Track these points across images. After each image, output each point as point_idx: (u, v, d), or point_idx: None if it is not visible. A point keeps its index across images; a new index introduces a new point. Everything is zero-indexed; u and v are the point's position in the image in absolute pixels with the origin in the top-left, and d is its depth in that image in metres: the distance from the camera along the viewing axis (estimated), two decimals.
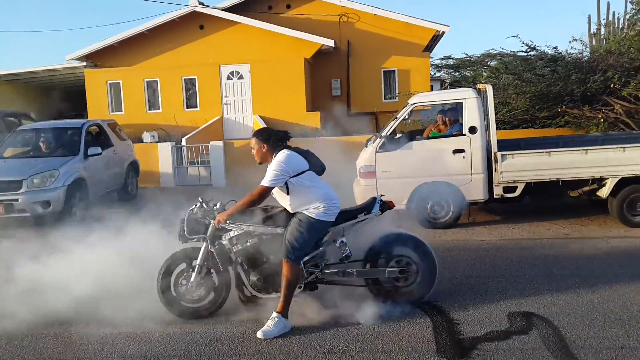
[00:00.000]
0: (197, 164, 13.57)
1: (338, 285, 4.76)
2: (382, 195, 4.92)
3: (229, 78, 17.48)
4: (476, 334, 4.25)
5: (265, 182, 4.40)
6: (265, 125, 15.81)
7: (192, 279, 4.65)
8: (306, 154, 4.56)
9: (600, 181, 7.55)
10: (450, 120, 8.25)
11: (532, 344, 4.02)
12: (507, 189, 7.74)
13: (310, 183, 4.46)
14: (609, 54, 11.71)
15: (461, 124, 7.85)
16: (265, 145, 4.50)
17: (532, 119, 12.15)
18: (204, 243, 4.65)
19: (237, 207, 4.50)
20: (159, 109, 17.71)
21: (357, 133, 15.38)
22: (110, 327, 4.57)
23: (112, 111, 17.69)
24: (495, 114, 8.59)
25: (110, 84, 17.83)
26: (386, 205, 4.79)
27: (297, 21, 17.82)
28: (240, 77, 17.41)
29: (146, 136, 15.35)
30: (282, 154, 4.43)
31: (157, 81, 17.69)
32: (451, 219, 7.88)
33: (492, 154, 7.71)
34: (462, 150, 7.74)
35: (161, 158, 13.37)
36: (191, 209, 4.73)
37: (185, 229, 4.67)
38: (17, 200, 8.62)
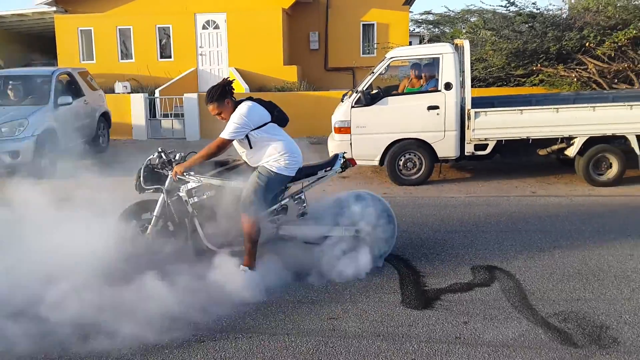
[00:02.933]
0: (171, 116, 13.39)
1: (295, 241, 4.73)
2: (344, 153, 4.94)
3: (204, 28, 17.07)
4: (440, 285, 4.41)
5: (224, 135, 4.32)
6: (240, 78, 15.59)
7: (148, 231, 4.63)
8: (269, 106, 4.48)
9: (568, 140, 7.71)
10: (426, 76, 8.26)
11: (493, 296, 4.20)
12: (478, 147, 7.85)
13: (272, 136, 4.40)
14: (587, 11, 11.73)
15: (437, 80, 7.87)
16: (228, 101, 4.39)
17: (507, 77, 12.22)
18: (161, 195, 4.61)
19: (195, 160, 4.44)
20: (131, 58, 17.28)
21: (334, 88, 15.33)
22: None
23: (83, 60, 17.21)
24: (471, 70, 8.64)
25: (81, 30, 17.27)
26: (347, 163, 4.76)
27: None
28: (216, 27, 17.02)
29: (118, 86, 15.01)
30: (244, 106, 4.34)
31: (130, 29, 17.19)
32: (422, 176, 8.00)
33: (466, 111, 7.78)
34: (436, 107, 7.79)
35: (134, 109, 13.15)
36: (149, 159, 4.65)
37: (141, 179, 4.61)
38: None
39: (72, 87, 10.63)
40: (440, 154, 7.90)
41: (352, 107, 7.90)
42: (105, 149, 11.52)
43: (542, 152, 7.98)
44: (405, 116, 7.86)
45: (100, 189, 8.09)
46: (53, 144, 9.30)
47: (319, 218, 4.73)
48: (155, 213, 4.64)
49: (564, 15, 12.75)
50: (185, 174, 4.51)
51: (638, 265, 4.71)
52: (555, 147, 7.82)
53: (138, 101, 13.13)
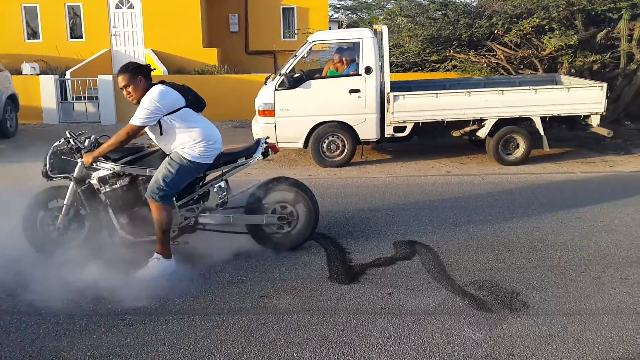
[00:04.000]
0: (84, 99, 12.81)
1: (218, 232, 4.66)
2: (267, 138, 4.80)
3: (117, 7, 16.37)
4: (365, 261, 4.60)
5: (134, 121, 4.07)
6: (157, 60, 15.14)
7: (58, 221, 4.45)
8: (183, 90, 4.25)
9: (480, 122, 8.16)
10: (347, 60, 8.42)
11: (414, 268, 4.44)
12: (397, 129, 8.14)
13: (186, 122, 4.17)
14: (495, 0, 12.35)
15: (358, 64, 8.05)
16: (141, 78, 4.12)
17: (423, 62, 12.66)
18: (71, 182, 4.41)
19: (104, 149, 4.19)
20: (39, 38, 16.31)
21: (255, 71, 15.23)
22: None
23: None
24: (389, 56, 8.90)
25: None
26: (269, 150, 4.65)
27: None
28: (131, 7, 16.37)
29: (26, 67, 14.14)
30: (155, 90, 4.07)
31: (36, 7, 16.18)
32: (345, 157, 8.19)
33: (385, 95, 8.03)
34: (357, 90, 7.98)
35: (43, 92, 12.44)
36: (55, 145, 4.41)
37: (48, 166, 4.37)
38: None
39: None
40: (362, 136, 8.12)
41: (276, 89, 7.93)
42: (13, 134, 10.86)
43: (455, 133, 8.40)
44: (328, 99, 8.00)
45: (6, 176, 7.72)
46: None
47: (240, 206, 4.64)
48: (65, 202, 4.44)
49: (474, 4, 13.36)
50: (93, 163, 4.29)
51: (543, 236, 5.12)
52: (467, 128, 8.25)
53: (48, 83, 12.43)
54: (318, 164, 8.18)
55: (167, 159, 4.27)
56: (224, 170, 4.56)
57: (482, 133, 8.18)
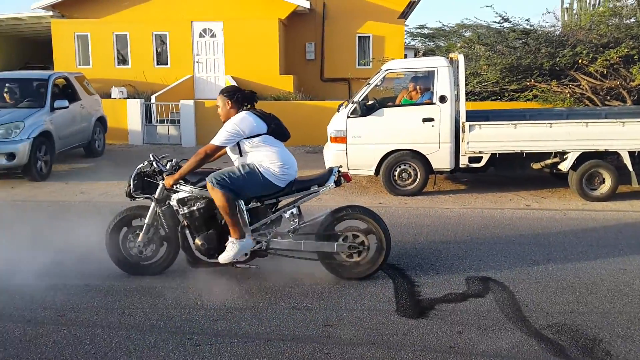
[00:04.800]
0: (167, 122, 13.41)
1: (289, 257, 4.71)
2: (340, 167, 4.85)
3: (201, 36, 17.13)
4: (435, 295, 4.43)
5: (215, 141, 4.37)
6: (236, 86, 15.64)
7: (139, 238, 4.70)
8: (267, 117, 4.48)
9: (562, 155, 7.78)
10: (421, 88, 8.34)
11: (487, 307, 4.23)
12: (472, 159, 7.91)
13: (265, 145, 4.40)
14: (579, 29, 11.88)
15: (432, 93, 7.94)
16: (229, 102, 4.48)
17: (502, 91, 12.33)
18: (152, 203, 4.65)
19: (185, 170, 4.45)
20: (128, 64, 17.29)
21: (330, 98, 15.40)
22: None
23: (80, 64, 17.19)
24: (466, 84, 8.73)
25: (77, 36, 17.26)
26: (342, 179, 4.67)
27: None
28: (213, 35, 17.08)
29: (114, 92, 15.03)
30: (239, 115, 4.41)
31: (126, 35, 17.21)
32: (418, 186, 8.04)
33: (460, 124, 7.85)
34: (431, 119, 7.86)
35: (130, 115, 13.17)
36: (139, 167, 4.69)
37: (132, 187, 4.65)
38: None
39: (68, 91, 10.64)
40: (435, 165, 7.96)
41: (348, 117, 7.95)
42: (101, 153, 11.53)
43: (535, 166, 8.04)
44: (401, 127, 7.92)
45: (93, 192, 8.16)
46: (49, 147, 9.29)
47: (312, 233, 4.64)
48: (146, 221, 4.69)
49: (557, 32, 12.90)
50: (173, 186, 4.52)
51: (631, 280, 4.75)
52: (548, 161, 7.89)
53: (134, 106, 13.14)
54: (389, 192, 8.07)
55: (242, 163, 4.45)
56: (297, 197, 4.64)
57: (564, 166, 7.79)
